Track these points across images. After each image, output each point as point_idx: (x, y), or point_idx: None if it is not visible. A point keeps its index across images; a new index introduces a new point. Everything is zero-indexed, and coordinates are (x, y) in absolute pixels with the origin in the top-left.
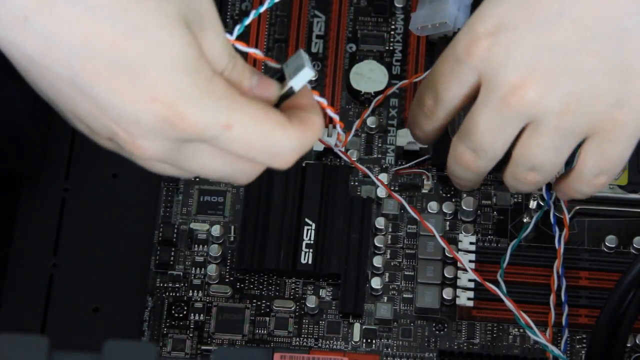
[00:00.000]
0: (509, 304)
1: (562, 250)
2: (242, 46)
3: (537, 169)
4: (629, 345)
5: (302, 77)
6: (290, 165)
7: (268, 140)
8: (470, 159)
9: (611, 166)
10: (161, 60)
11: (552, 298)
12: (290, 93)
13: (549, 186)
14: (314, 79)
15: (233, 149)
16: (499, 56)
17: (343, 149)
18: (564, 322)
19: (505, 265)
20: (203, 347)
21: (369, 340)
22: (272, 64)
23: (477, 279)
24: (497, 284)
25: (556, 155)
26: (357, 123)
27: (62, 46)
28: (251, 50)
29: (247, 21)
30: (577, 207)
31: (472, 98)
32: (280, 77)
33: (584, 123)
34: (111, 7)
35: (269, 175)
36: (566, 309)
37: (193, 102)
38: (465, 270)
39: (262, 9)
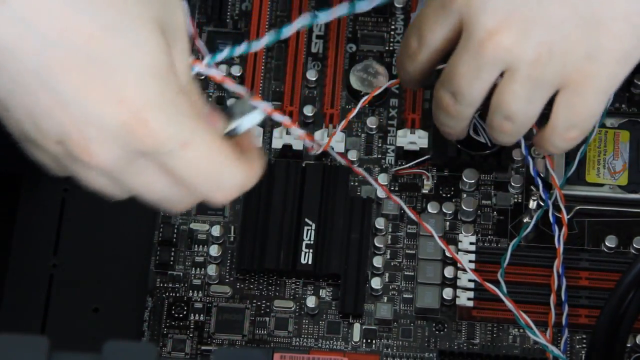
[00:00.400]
0: (508, 304)
1: (561, 250)
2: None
3: (512, 118)
4: (628, 345)
5: (252, 119)
6: (225, 203)
7: (217, 171)
8: (449, 102)
9: (582, 120)
10: (135, 63)
11: (552, 298)
12: (234, 133)
13: (548, 186)
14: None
15: (181, 171)
16: (478, 1)
17: (343, 151)
18: (564, 322)
19: (505, 264)
20: (203, 348)
21: (369, 341)
22: (231, 87)
23: (477, 279)
24: (497, 283)
25: (529, 105)
26: (342, 124)
27: (36, 34)
28: (215, 74)
29: (219, 57)
30: (578, 207)
31: (454, 43)
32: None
33: (555, 74)
34: (93, 1)
35: (269, 175)
36: (566, 309)
37: (158, 111)
38: (465, 270)
39: (236, 53)
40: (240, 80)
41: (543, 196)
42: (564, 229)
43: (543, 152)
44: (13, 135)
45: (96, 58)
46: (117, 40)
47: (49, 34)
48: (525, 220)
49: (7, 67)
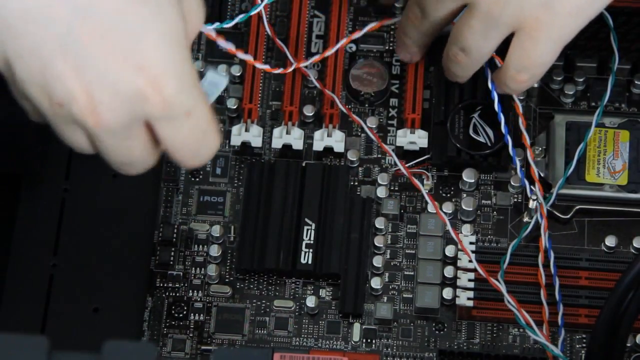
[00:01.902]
0: (511, 302)
1: (544, 244)
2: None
3: (466, 51)
4: (628, 345)
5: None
6: (187, 168)
7: (203, 141)
8: (416, 21)
9: (532, 63)
10: (156, 31)
11: (542, 293)
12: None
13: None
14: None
15: (174, 138)
16: None
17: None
18: (560, 322)
19: (505, 266)
20: (203, 347)
21: (369, 340)
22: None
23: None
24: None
25: (484, 40)
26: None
27: (67, 2)
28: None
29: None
30: (577, 207)
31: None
32: None
33: (511, 16)
34: None
35: (269, 175)
36: (561, 308)
37: (174, 79)
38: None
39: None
40: (240, 79)
41: (530, 197)
42: (544, 221)
43: (498, 91)
44: (13, 93)
45: (121, 26)
46: (141, 9)
47: (79, 2)
48: (525, 220)
49: (31, 33)
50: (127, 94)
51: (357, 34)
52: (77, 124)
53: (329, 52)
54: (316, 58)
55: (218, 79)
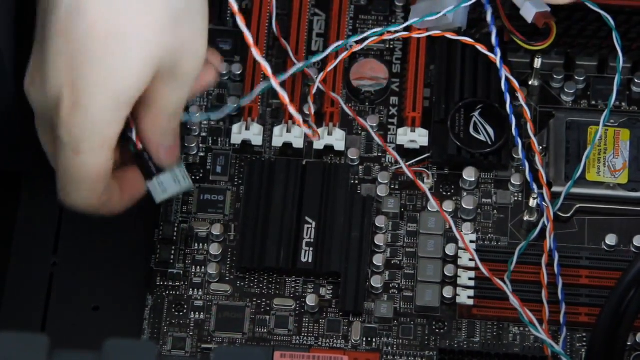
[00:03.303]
0: (514, 300)
1: (549, 246)
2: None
3: None
4: (629, 344)
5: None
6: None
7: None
8: None
9: None
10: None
11: (543, 293)
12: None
13: (548, 184)
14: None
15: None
16: None
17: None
18: (562, 320)
19: (512, 267)
20: (203, 346)
21: (369, 339)
22: None
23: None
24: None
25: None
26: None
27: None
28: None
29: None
30: (578, 206)
31: None
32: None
33: None
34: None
35: (270, 173)
36: (563, 307)
37: (84, 112)
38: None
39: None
40: (241, 78)
41: (539, 202)
42: (549, 225)
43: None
44: None
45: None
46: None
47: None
48: (525, 219)
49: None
50: (51, 93)
51: (357, 48)
52: None
53: (330, 66)
54: (321, 76)
55: (174, 182)
